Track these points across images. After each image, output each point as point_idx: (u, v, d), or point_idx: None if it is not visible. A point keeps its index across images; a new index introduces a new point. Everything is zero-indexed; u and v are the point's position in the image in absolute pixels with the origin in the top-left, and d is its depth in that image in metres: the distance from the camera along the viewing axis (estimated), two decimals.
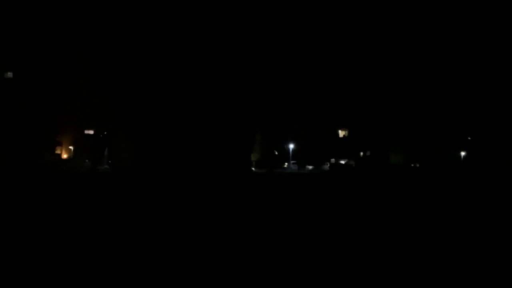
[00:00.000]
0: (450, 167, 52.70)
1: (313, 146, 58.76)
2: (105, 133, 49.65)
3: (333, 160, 58.58)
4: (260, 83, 53.76)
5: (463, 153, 57.77)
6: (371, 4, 55.38)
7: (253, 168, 53.45)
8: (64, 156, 51.38)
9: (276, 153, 60.04)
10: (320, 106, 58.96)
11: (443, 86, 57.40)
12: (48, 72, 48.96)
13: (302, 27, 54.55)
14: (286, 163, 60.80)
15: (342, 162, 58.12)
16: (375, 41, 56.33)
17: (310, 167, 59.19)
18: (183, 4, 50.11)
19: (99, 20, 50.40)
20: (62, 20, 49.53)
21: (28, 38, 48.42)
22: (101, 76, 50.12)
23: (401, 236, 9.50)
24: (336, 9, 55.32)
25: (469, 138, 58.28)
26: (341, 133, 61.00)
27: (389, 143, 58.78)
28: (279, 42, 53.67)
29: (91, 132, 53.02)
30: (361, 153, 60.08)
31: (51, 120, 49.12)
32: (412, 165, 58.65)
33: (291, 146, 59.69)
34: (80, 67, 50.44)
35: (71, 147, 52.05)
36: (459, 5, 53.97)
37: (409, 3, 55.13)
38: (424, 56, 57.10)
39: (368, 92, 58.07)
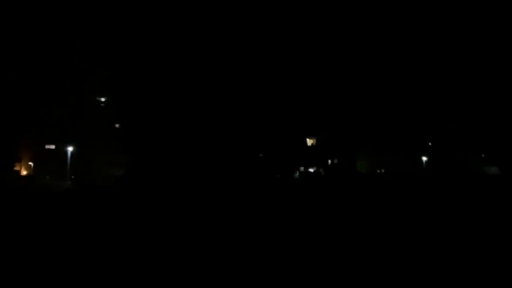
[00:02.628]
0: (412, 171, 55.06)
1: (281, 155, 58.95)
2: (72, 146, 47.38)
3: (302, 168, 59.05)
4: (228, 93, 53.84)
5: (424, 158, 60.13)
6: (337, 16, 57.18)
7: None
8: (24, 172, 48.65)
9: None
10: (287, 115, 59.48)
11: (403, 95, 59.84)
12: (6, 85, 46.48)
13: (270, 38, 55.39)
14: None
15: (311, 170, 58.75)
16: (340, 53, 58.02)
17: (279, 176, 59.19)
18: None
19: (67, 26, 48.47)
20: (21, 27, 47.08)
21: None
22: (68, 81, 48.00)
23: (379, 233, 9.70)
24: (301, 21, 56.62)
25: (429, 144, 60.90)
26: (309, 142, 61.65)
27: (355, 151, 60.22)
28: (249, 51, 54.30)
29: (52, 147, 50.46)
30: (329, 161, 60.97)
31: (8, 135, 46.49)
32: (378, 171, 60.43)
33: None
34: (42, 76, 48.16)
35: (30, 163, 49.36)
36: (424, 23, 56.85)
37: (373, 20, 57.43)
38: (385, 67, 59.37)
39: (334, 101, 59.38)
